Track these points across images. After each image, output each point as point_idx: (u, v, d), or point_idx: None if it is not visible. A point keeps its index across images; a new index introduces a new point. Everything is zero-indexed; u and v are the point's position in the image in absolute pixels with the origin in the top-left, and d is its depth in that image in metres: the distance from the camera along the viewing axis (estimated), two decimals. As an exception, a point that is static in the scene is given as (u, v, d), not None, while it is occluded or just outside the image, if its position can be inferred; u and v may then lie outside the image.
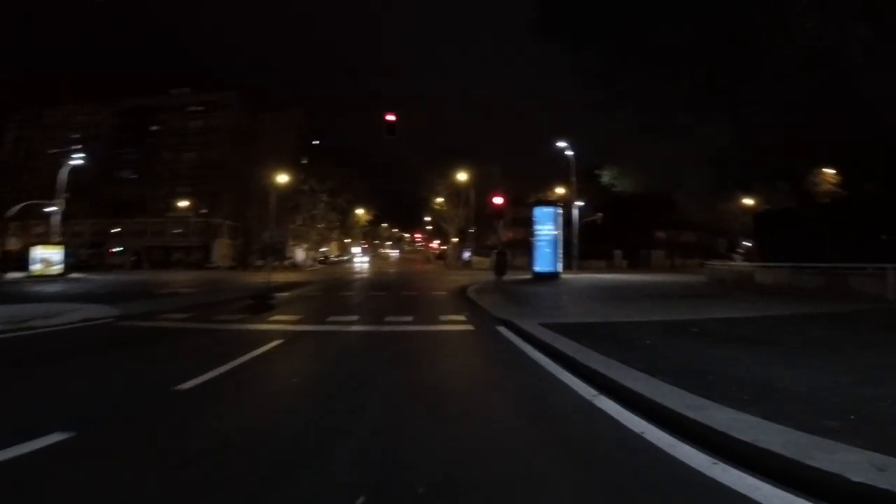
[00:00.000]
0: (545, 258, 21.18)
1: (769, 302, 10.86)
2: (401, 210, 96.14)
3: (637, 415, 3.29)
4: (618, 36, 15.15)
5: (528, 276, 21.19)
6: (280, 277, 26.80)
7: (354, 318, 8.84)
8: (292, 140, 60.54)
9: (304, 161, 59.19)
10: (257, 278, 26.43)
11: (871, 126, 18.52)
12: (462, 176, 47.12)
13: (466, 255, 48.93)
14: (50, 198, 31.38)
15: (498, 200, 14.35)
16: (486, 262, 51.52)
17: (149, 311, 10.03)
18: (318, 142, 68.45)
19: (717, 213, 51.64)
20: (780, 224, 21.68)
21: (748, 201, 50.51)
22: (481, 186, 47.13)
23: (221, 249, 57.52)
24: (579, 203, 31.20)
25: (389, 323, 8.20)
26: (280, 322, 8.48)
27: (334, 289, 17.60)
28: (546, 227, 21.25)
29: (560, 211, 21.80)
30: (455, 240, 54.94)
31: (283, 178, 45.27)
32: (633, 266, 50.05)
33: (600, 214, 39.18)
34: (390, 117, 14.83)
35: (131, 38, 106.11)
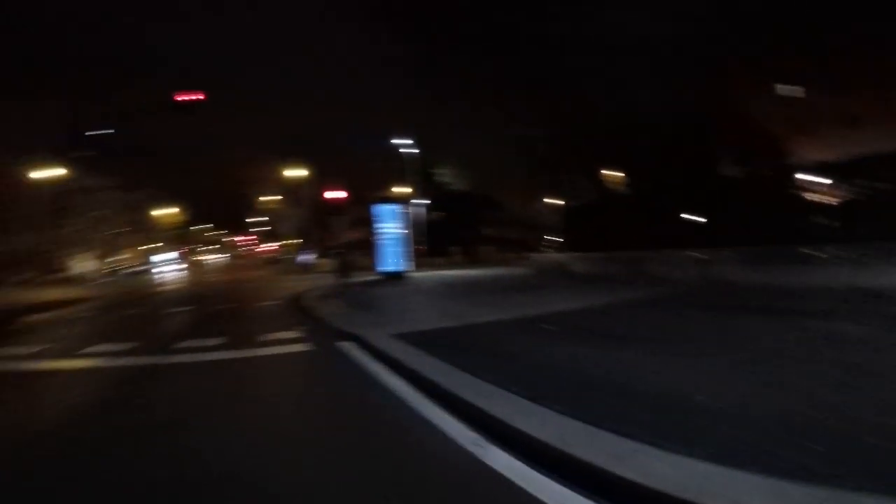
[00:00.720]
0: (390, 257, 20.19)
1: (593, 289, 11.70)
2: (227, 211, 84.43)
3: (548, 475, 2.28)
4: (441, 25, 15.06)
5: (375, 277, 19.91)
6: (46, 295, 20.01)
7: (129, 345, 6.27)
8: (53, 135, 47.06)
9: (79, 155, 46.65)
10: (14, 297, 19.32)
11: (646, 133, 22.64)
12: (296, 172, 43.34)
13: (306, 257, 45.04)
14: None
15: (335, 194, 12.62)
16: (328, 264, 48.46)
17: None
18: (94, 132, 54.81)
19: (535, 210, 59.43)
20: (586, 216, 24.99)
21: (555, 200, 59.65)
22: (322, 184, 44.13)
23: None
24: (422, 201, 31.21)
25: (183, 350, 5.96)
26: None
27: (120, 307, 13.43)
28: (389, 224, 20.28)
29: (403, 208, 21.08)
30: (295, 241, 50.31)
31: (39, 175, 35.13)
32: (470, 261, 53.26)
33: (443, 213, 40.36)
34: (186, 97, 11.85)
35: None
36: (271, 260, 59.44)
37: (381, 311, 8.66)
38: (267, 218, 51.98)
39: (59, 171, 37.20)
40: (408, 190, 32.00)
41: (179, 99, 11.20)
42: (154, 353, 5.80)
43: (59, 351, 5.83)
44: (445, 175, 37.74)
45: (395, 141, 27.11)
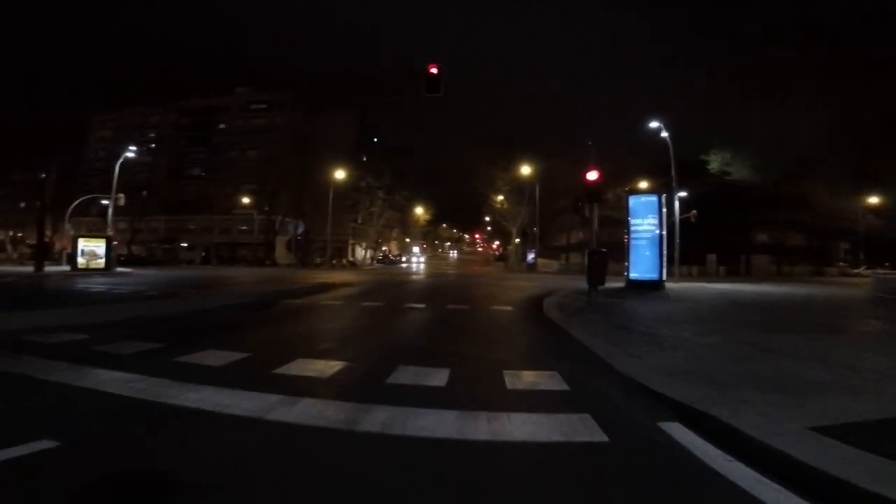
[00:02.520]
0: (645, 262, 16.05)
1: None
2: (459, 210, 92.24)
3: None
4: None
5: (619, 285, 16.09)
6: (328, 277, 24.02)
7: (336, 365, 4.73)
8: (347, 138, 58.76)
9: (364, 158, 57.24)
10: (309, 277, 23.97)
11: None
12: (525, 169, 42.30)
13: (530, 256, 43.78)
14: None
15: (592, 175, 9.61)
16: (552, 264, 46.07)
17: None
18: (376, 139, 66.51)
19: (835, 213, 42.12)
20: None
21: (873, 199, 40.64)
22: (545, 181, 42.04)
23: (281, 247, 57.12)
24: (682, 193, 25.13)
25: (387, 401, 3.58)
26: (196, 365, 4.63)
27: (369, 294, 13.84)
28: (646, 221, 16.12)
29: (663, 202, 16.55)
30: (517, 240, 49.96)
31: (340, 175, 43.51)
32: (732, 273, 42.09)
33: (694, 212, 32.41)
34: (433, 70, 10.83)
35: (188, 39, 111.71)
36: (498, 257, 61.24)
37: (693, 352, 5.15)
38: (496, 216, 53.07)
39: (348, 173, 46.07)
40: (651, 184, 26.28)
41: (433, 71, 10.24)
42: (351, 397, 3.69)
43: (257, 367, 4.59)
44: (721, 161, 29.74)
45: (651, 125, 22.19)
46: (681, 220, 27.20)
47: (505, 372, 4.47)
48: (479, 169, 48.07)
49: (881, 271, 20.10)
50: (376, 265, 53.91)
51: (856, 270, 42.93)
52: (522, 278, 25.65)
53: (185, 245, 60.15)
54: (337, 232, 52.00)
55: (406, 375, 4.33)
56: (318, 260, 48.21)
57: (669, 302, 11.51)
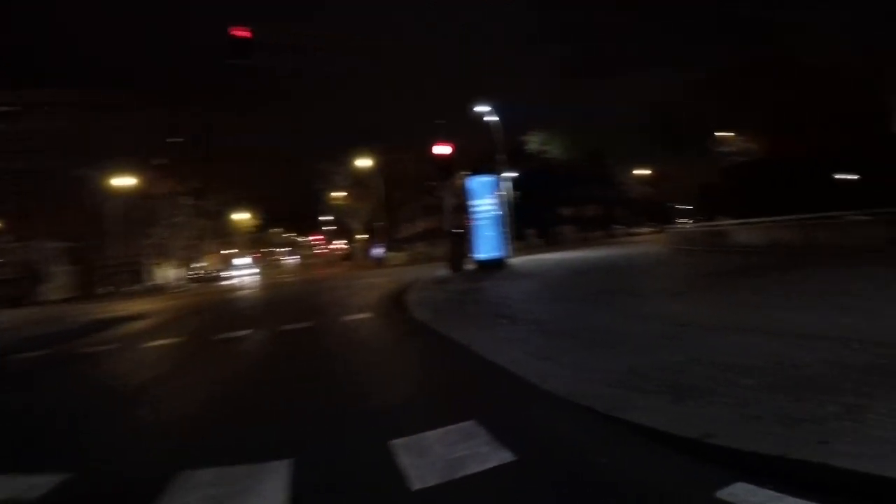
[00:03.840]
0: (488, 241, 16.19)
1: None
2: (295, 212, 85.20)
3: None
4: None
5: (468, 268, 15.97)
6: (114, 309, 18.50)
7: (47, 482, 2.50)
8: (147, 140, 48.03)
9: (162, 162, 47.40)
10: (88, 313, 18.07)
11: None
12: (364, 162, 40.80)
13: (378, 250, 42.52)
14: None
15: (443, 150, 8.65)
16: (401, 257, 45.64)
17: None
18: (182, 139, 55.96)
19: (618, 185, 52.23)
20: (753, 177, 19.34)
21: (641, 171, 51.96)
22: (389, 172, 41.29)
23: (60, 278, 43.97)
24: (511, 174, 26.73)
25: None
26: None
27: (164, 328, 10.44)
28: (486, 201, 16.25)
29: (500, 181, 16.98)
30: (364, 236, 48.19)
31: (124, 182, 35.27)
32: (549, 244, 48.10)
33: (518, 193, 35.58)
34: (240, 32, 8.50)
35: None
36: (343, 257, 58.37)
37: (609, 341, 4.23)
38: (337, 214, 50.26)
39: (135, 180, 37.52)
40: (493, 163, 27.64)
41: (235, 34, 7.78)
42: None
43: None
44: (539, 141, 32.68)
45: (478, 109, 22.77)
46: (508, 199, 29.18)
47: (393, 443, 2.65)
48: (314, 164, 44.67)
49: (675, 226, 24.72)
50: (190, 285, 45.74)
51: (635, 230, 54.10)
52: (374, 274, 24.14)
53: None
54: (130, 251, 42.36)
55: (196, 498, 2.29)
56: (105, 290, 38.54)
57: (521, 278, 11.51)
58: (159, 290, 41.65)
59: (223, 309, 14.21)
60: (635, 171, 49.73)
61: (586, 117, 25.70)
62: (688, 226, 20.80)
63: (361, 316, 8.26)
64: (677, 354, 3.58)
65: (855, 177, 18.79)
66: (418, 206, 48.27)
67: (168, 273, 48.47)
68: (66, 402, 4.76)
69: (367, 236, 48.06)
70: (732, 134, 26.34)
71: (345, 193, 45.07)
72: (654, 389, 2.93)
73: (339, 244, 79.63)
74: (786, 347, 3.45)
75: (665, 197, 51.49)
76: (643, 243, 26.65)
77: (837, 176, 19.34)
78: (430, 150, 8.97)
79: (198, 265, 56.31)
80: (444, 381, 4.02)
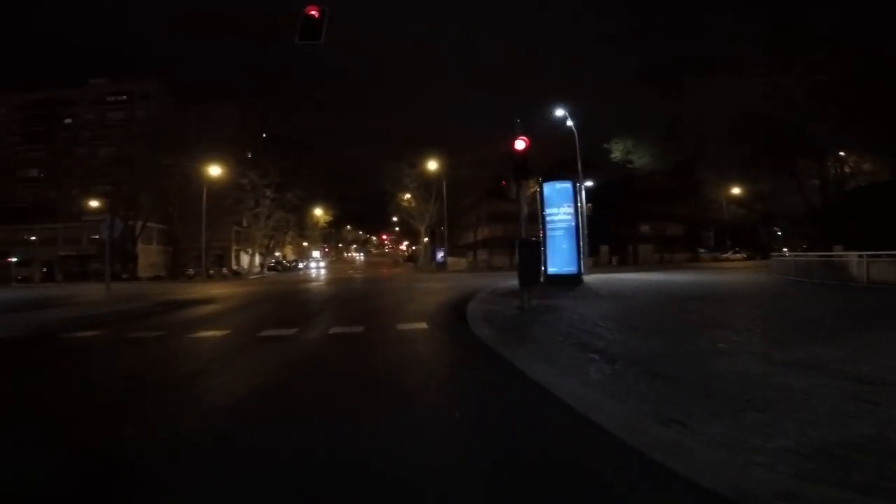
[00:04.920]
0: (562, 255, 14.77)
1: None
2: (365, 210, 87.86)
3: None
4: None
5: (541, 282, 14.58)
6: (193, 292, 19.44)
7: None
8: (229, 132, 51.68)
9: (249, 155, 50.69)
10: (167, 293, 19.29)
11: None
12: (432, 165, 40.65)
13: (440, 255, 42.16)
14: None
15: (520, 144, 7.55)
16: (461, 262, 44.89)
17: None
18: (264, 134, 59.70)
19: (705, 204, 47.02)
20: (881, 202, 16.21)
21: (735, 191, 46.31)
22: (451, 178, 40.81)
23: (148, 257, 48.44)
24: (588, 183, 24.89)
25: None
26: None
27: (222, 317, 10.26)
28: (561, 210, 14.87)
29: (577, 189, 15.49)
30: (426, 239, 48.07)
31: (215, 172, 37.84)
32: (623, 263, 44.83)
33: (590, 205, 33.31)
34: (312, 12, 8.03)
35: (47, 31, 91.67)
36: (408, 257, 58.86)
37: (779, 409, 2.67)
38: (403, 216, 50.59)
39: (227, 170, 40.15)
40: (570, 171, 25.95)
41: (312, 13, 7.29)
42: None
43: None
44: (624, 150, 30.39)
45: (557, 113, 21.36)
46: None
47: None
48: (386, 166, 45.36)
49: (780, 253, 21.48)
50: (267, 273, 48.15)
51: (724, 255, 48.63)
52: (434, 279, 23.49)
53: (15, 260, 48.49)
54: (217, 237, 45.46)
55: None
56: (192, 271, 41.50)
57: (602, 299, 10.03)
58: (240, 275, 44.34)
59: (284, 301, 14.10)
60: (728, 190, 44.75)
61: (672, 124, 23.19)
62: (800, 255, 17.80)
63: (418, 326, 7.31)
64: (873, 425, 2.23)
65: None
66: (482, 213, 47.24)
67: (249, 260, 51.65)
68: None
69: (427, 240, 47.88)
70: (845, 152, 22.46)
71: (409, 195, 45.18)
72: (873, 483, 1.67)
73: (404, 245, 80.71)
74: None
75: (759, 221, 45.76)
76: (736, 270, 23.55)
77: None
78: (507, 144, 7.87)
79: (276, 255, 59.73)
80: (515, 444, 2.67)
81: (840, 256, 14.98)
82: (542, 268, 13.51)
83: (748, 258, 45.64)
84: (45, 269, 49.31)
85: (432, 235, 47.07)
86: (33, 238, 50.65)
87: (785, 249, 25.06)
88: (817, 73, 16.45)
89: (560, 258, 14.83)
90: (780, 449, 2.17)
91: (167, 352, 6.18)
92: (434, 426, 3.01)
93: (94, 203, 46.90)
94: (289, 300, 14.47)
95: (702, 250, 50.61)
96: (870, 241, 14.63)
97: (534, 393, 3.56)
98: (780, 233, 42.68)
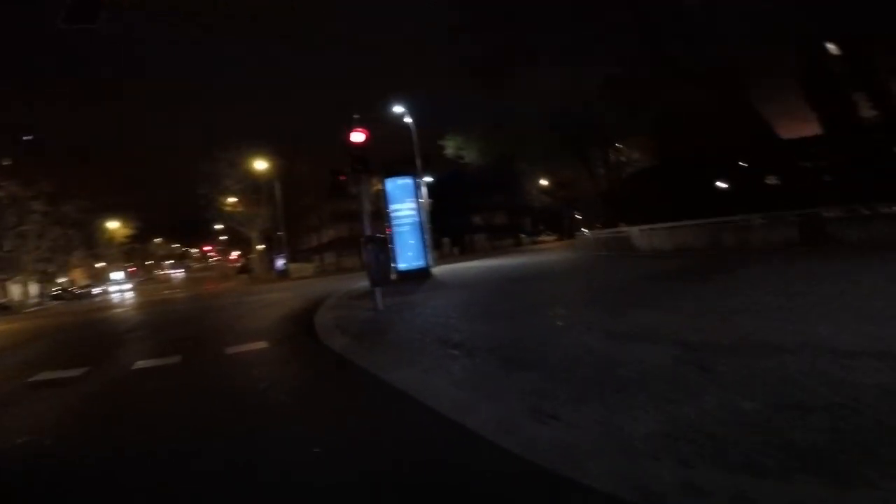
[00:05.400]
0: (410, 249, 14.80)
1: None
2: (182, 221, 75.75)
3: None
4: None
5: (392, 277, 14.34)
6: None
7: None
8: None
9: (6, 162, 38.34)
10: None
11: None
12: (259, 164, 37.11)
13: (280, 262, 38.82)
14: None
15: (358, 136, 7.06)
16: (308, 268, 42.05)
17: None
18: (25, 137, 45.99)
19: (523, 193, 54.16)
20: (641, 184, 20.31)
21: (543, 181, 54.52)
22: (287, 178, 37.97)
23: None
24: (428, 178, 25.56)
25: None
26: None
27: None
28: (405, 206, 14.87)
29: (419, 183, 15.72)
30: (261, 247, 43.69)
31: None
32: (462, 252, 48.26)
33: (430, 200, 34.80)
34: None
35: None
36: (241, 269, 52.48)
37: (618, 381, 2.90)
38: (230, 223, 44.94)
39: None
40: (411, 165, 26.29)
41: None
42: None
43: None
44: (455, 146, 31.91)
45: (395, 109, 21.30)
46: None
47: None
48: (201, 167, 39.37)
49: (581, 233, 25.29)
50: (49, 304, 37.79)
51: (539, 238, 56.40)
52: (274, 289, 21.31)
53: None
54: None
55: None
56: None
57: (451, 289, 10.29)
58: (10, 308, 33.74)
59: (70, 335, 10.88)
60: (539, 180, 51.93)
61: (496, 119, 25.67)
62: (601, 232, 21.37)
63: (254, 346, 6.17)
64: (719, 395, 2.50)
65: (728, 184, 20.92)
66: (325, 214, 45.18)
67: (22, 290, 39.36)
68: None
69: (264, 246, 43.74)
70: (622, 144, 27.95)
71: (236, 199, 40.44)
72: (757, 460, 1.77)
73: (235, 255, 72.22)
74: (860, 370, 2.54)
75: (562, 205, 54.53)
76: (552, 251, 27.25)
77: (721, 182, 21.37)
78: (345, 137, 7.31)
79: (62, 280, 46.90)
80: (387, 468, 2.35)
81: (624, 232, 18.44)
82: (392, 264, 13.30)
83: (558, 239, 53.66)
84: None
85: (269, 241, 43.02)
86: None
87: (584, 229, 30.27)
88: (609, 66, 19.67)
89: (408, 253, 14.86)
90: (654, 434, 2.19)
91: None
92: (284, 478, 2.38)
93: None
94: (77, 334, 11.21)
95: (522, 235, 57.55)
96: (644, 217, 18.30)
97: (399, 402, 3.19)
98: (578, 216, 51.39)
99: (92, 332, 11.23)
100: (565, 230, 52.56)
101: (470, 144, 30.87)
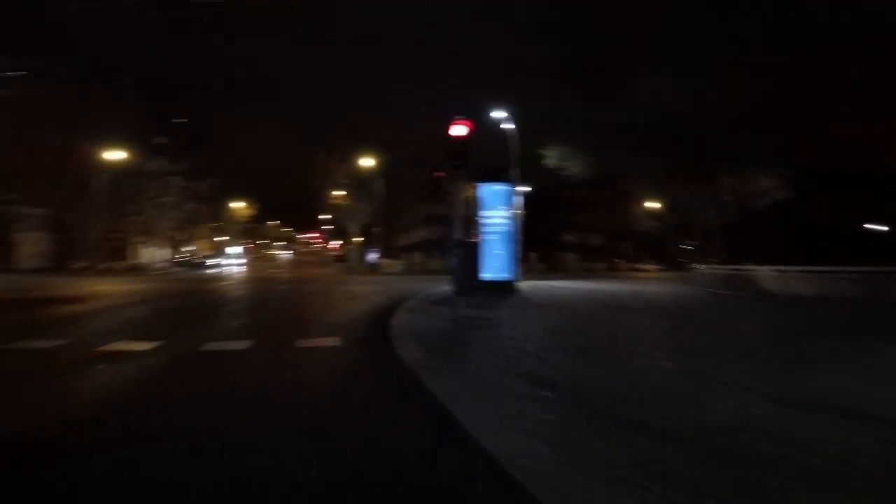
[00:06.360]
0: (497, 260, 13.98)
1: None
2: (294, 207, 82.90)
3: None
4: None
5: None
6: (66, 289, 16.05)
7: None
8: (139, 117, 45.79)
9: (161, 140, 45.11)
10: (48, 286, 16.24)
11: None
12: (366, 162, 38.86)
13: (372, 256, 40.30)
14: None
15: (459, 129, 6.46)
16: (397, 264, 43.31)
17: None
18: (177, 120, 53.54)
19: (625, 215, 49.84)
20: (772, 220, 17.32)
21: (651, 204, 49.38)
22: (391, 177, 39.31)
23: (31, 247, 41.38)
24: (524, 188, 24.58)
25: None
26: None
27: (52, 327, 7.86)
28: (497, 212, 14.10)
29: (515, 191, 14.87)
30: (358, 240, 45.91)
31: (115, 156, 33.63)
32: (551, 270, 46.08)
33: (522, 210, 33.51)
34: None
35: None
36: (338, 258, 55.85)
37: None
38: (335, 214, 47.93)
39: (128, 154, 35.48)
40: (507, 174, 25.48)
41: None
42: None
43: None
44: (557, 157, 30.51)
45: (493, 115, 20.61)
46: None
47: None
48: (314, 160, 42.51)
49: (696, 266, 22.42)
50: (173, 269, 43.20)
51: (639, 265, 51.60)
52: (363, 282, 21.84)
53: None
54: (117, 228, 39.96)
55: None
56: (81, 264, 36.04)
57: (540, 310, 9.29)
58: (139, 270, 39.17)
59: (172, 303, 11.83)
60: (646, 203, 47.43)
61: (606, 130, 23.79)
62: (716, 268, 18.61)
63: (325, 342, 5.84)
64: None
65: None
66: (418, 215, 46.11)
67: (153, 254, 45.95)
68: None
69: (362, 240, 45.84)
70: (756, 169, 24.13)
71: (344, 193, 42.88)
72: None
73: (335, 244, 77.16)
74: None
75: (671, 232, 49.04)
76: (654, 281, 24.50)
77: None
78: (446, 130, 6.76)
79: (187, 249, 53.80)
80: None
81: (749, 270, 15.81)
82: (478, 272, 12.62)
83: (662, 269, 48.63)
84: None
85: (367, 235, 45.09)
86: None
87: (695, 263, 26.73)
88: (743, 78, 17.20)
89: (495, 263, 14.04)
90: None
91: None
92: None
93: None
94: (177, 302, 12.23)
95: (619, 260, 53.39)
96: (777, 255, 15.55)
97: (470, 456, 2.40)
98: (690, 247, 46.07)
99: (190, 303, 12.04)
100: (671, 260, 47.49)
101: (575, 156, 29.15)
